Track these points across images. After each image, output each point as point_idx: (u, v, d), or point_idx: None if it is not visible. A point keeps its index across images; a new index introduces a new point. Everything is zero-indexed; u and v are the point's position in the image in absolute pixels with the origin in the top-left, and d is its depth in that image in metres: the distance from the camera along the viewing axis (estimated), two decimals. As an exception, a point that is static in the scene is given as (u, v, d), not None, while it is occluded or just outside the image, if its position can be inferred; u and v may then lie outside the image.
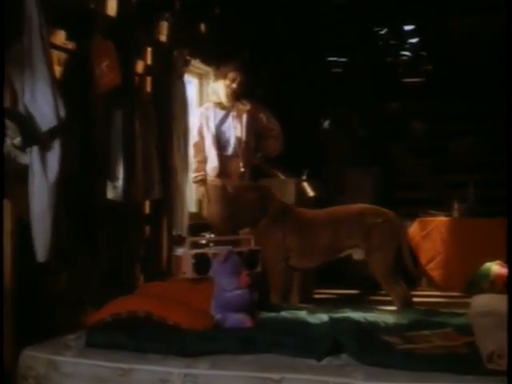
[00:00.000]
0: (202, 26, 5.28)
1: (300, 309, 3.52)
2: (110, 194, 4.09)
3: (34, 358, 2.84)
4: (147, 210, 4.70)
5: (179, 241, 4.61)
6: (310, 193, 5.88)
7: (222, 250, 4.11)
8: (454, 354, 2.59)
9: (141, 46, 4.42)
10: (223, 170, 5.00)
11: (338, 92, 7.43)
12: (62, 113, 3.29)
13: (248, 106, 5.07)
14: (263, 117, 5.15)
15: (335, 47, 7.39)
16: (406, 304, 4.08)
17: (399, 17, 6.89)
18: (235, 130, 5.01)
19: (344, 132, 7.53)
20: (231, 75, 4.94)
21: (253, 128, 5.09)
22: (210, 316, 3.09)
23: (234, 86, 4.96)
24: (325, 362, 2.66)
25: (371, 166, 7.27)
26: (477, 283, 5.74)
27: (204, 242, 4.54)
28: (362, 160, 7.30)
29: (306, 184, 5.79)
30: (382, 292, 5.77)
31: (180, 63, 4.74)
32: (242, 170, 5.04)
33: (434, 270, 6.30)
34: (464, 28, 6.71)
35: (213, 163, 5.00)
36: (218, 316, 3.07)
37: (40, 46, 3.22)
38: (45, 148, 3.26)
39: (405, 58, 7.30)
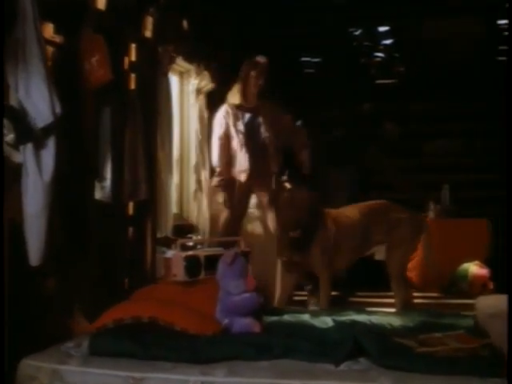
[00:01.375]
0: (185, 23, 5.15)
1: (301, 312, 3.45)
2: (98, 195, 3.95)
3: (35, 368, 2.70)
4: (131, 211, 4.55)
5: (165, 243, 4.48)
6: None
7: (219, 252, 4.08)
8: (476, 357, 2.55)
9: (129, 41, 4.27)
10: (253, 173, 4.78)
11: (311, 92, 7.39)
12: (58, 109, 3.14)
13: (273, 107, 4.93)
14: (287, 118, 5.04)
15: (309, 47, 7.34)
16: (407, 307, 4.05)
17: (373, 18, 6.89)
18: (263, 131, 4.83)
19: (318, 133, 7.48)
20: (254, 73, 4.76)
21: (278, 129, 4.91)
22: (217, 321, 2.99)
23: (260, 83, 4.78)
24: (343, 366, 2.59)
25: (346, 166, 7.23)
26: (455, 284, 5.78)
27: (192, 243, 4.43)
28: (337, 161, 7.25)
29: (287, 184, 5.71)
30: (360, 294, 5.80)
31: (165, 60, 4.61)
32: (274, 171, 4.88)
33: (411, 270, 6.29)
34: (438, 29, 6.75)
35: (242, 166, 4.76)
36: (225, 321, 2.97)
37: (35, 39, 3.07)
38: (39, 146, 3.11)
39: (379, 59, 7.30)
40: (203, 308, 3.07)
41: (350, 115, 7.51)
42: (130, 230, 4.57)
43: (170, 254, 4.08)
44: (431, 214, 6.32)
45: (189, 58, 5.15)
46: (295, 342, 2.74)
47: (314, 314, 3.36)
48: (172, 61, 4.68)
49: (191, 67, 5.23)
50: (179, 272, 3.85)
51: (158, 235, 4.63)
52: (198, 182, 5.27)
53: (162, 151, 4.62)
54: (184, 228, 4.95)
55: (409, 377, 2.42)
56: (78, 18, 3.74)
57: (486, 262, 5.87)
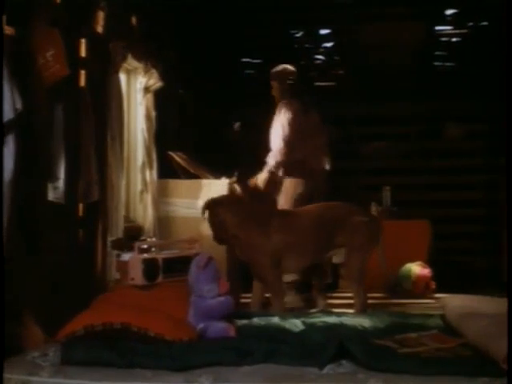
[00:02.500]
0: (134, 20, 5.01)
1: (270, 315, 3.39)
2: (50, 195, 3.77)
3: (4, 380, 2.52)
4: (80, 212, 4.37)
5: (118, 245, 4.32)
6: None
7: (176, 254, 3.98)
8: (460, 357, 2.57)
9: (80, 36, 4.10)
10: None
11: (250, 94, 7.35)
12: (19, 105, 2.98)
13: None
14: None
15: (249, 49, 7.31)
16: (365, 308, 4.06)
17: (315, 20, 6.93)
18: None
19: (256, 135, 7.46)
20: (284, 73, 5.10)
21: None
22: (191, 325, 2.89)
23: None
24: (327, 370, 2.56)
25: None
26: (399, 284, 5.86)
27: (146, 246, 4.28)
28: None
29: (236, 186, 5.66)
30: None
31: (117, 57, 4.45)
32: None
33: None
34: (377, 34, 6.85)
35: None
36: (200, 325, 2.88)
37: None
38: (-1, 143, 2.93)
39: (318, 61, 7.34)
40: (173, 312, 2.97)
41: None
42: (80, 232, 4.41)
43: (126, 257, 3.94)
44: (373, 216, 6.40)
45: (137, 56, 4.99)
46: (275, 346, 2.69)
47: (283, 317, 3.31)
48: (124, 58, 4.53)
49: (139, 65, 5.08)
50: (137, 276, 3.74)
51: (109, 238, 4.46)
52: (144, 182, 5.13)
53: (114, 151, 4.46)
54: (131, 230, 4.79)
55: (398, 378, 2.41)
56: (32, 9, 3.56)
57: (427, 263, 5.99)
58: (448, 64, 7.16)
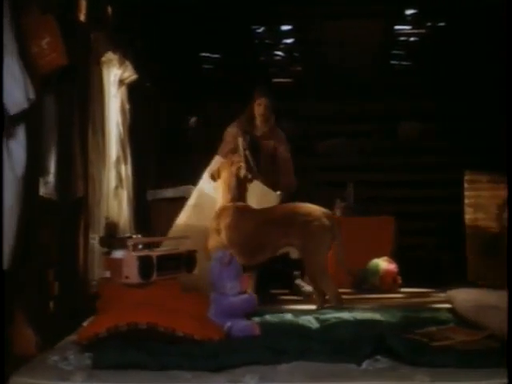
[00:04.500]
0: (109, 10, 4.84)
1: (282, 312, 3.35)
2: (41, 191, 3.59)
3: (34, 387, 2.38)
4: (58, 208, 4.18)
5: (105, 242, 4.17)
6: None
7: (169, 251, 3.88)
8: (494, 349, 2.61)
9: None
10: None
11: (209, 89, 7.27)
12: (32, 94, 2.81)
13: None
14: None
15: (209, 43, 7.19)
16: (341, 300, 4.08)
17: (275, 16, 6.89)
18: None
19: (214, 130, 7.38)
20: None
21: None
22: (217, 324, 2.82)
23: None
24: (365, 365, 2.54)
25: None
26: (366, 279, 5.92)
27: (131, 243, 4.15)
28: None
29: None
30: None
31: (99, 47, 4.29)
32: None
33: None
34: (336, 31, 6.87)
35: None
36: (227, 324, 2.81)
37: (8, 15, 2.72)
38: (10, 136, 2.76)
39: (278, 57, 7.33)
40: (195, 310, 2.89)
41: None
42: (59, 229, 4.22)
43: (118, 254, 3.81)
44: (338, 212, 6.44)
45: (112, 47, 4.82)
46: (307, 343, 2.65)
47: (295, 314, 3.28)
48: (106, 49, 4.37)
49: (114, 57, 4.91)
50: (132, 274, 3.62)
51: (91, 234, 4.30)
52: (119, 177, 4.97)
53: (94, 145, 4.30)
54: (112, 227, 4.64)
55: (444, 372, 2.42)
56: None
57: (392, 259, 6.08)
58: (405, 63, 7.29)
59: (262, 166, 5.17)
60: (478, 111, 7.04)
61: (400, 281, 5.88)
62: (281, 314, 3.26)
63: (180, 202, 5.87)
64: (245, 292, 2.94)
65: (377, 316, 3.22)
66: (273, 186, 5.06)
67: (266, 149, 5.27)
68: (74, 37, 4.07)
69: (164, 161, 6.52)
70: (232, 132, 5.27)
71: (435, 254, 6.91)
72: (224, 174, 4.50)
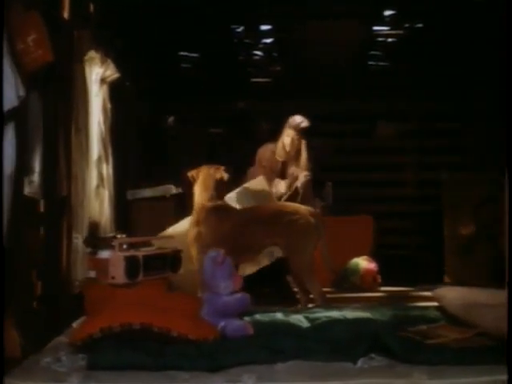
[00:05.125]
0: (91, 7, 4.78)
1: (272, 311, 3.34)
2: (26, 190, 3.54)
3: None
4: (41, 208, 4.13)
5: (89, 242, 4.12)
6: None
7: (155, 251, 3.86)
8: (488, 346, 2.63)
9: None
10: None
11: (187, 88, 7.24)
12: (22, 92, 2.77)
13: None
14: None
15: (187, 42, 7.15)
16: (325, 299, 4.10)
17: (254, 16, 6.88)
18: None
19: (193, 131, 7.37)
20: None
21: None
22: (210, 324, 2.80)
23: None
24: (361, 363, 2.55)
25: (222, 165, 7.17)
26: (347, 278, 5.95)
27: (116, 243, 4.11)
28: (214, 159, 7.16)
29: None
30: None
31: (82, 45, 4.24)
32: None
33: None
34: (315, 31, 6.89)
35: None
36: (221, 323, 2.79)
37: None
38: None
39: (257, 57, 7.32)
40: (186, 311, 2.86)
41: (226, 113, 7.50)
42: (42, 229, 4.16)
43: (104, 254, 3.77)
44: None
45: (94, 45, 4.77)
46: (303, 343, 2.65)
47: (285, 313, 3.27)
48: (89, 47, 4.31)
49: (96, 55, 4.85)
50: (118, 274, 3.61)
51: (74, 234, 4.25)
52: (101, 177, 4.92)
53: (77, 144, 4.25)
54: (94, 226, 4.59)
55: (441, 370, 2.44)
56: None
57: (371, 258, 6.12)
58: (383, 64, 7.34)
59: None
60: (455, 112, 7.13)
61: (380, 280, 5.92)
62: (271, 314, 3.25)
63: (160, 201, 5.87)
64: (237, 291, 2.92)
65: (367, 314, 3.23)
66: None
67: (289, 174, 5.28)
68: (58, 34, 4.04)
69: (143, 160, 6.47)
70: (265, 156, 5.30)
71: (414, 253, 6.98)
72: (202, 175, 4.52)
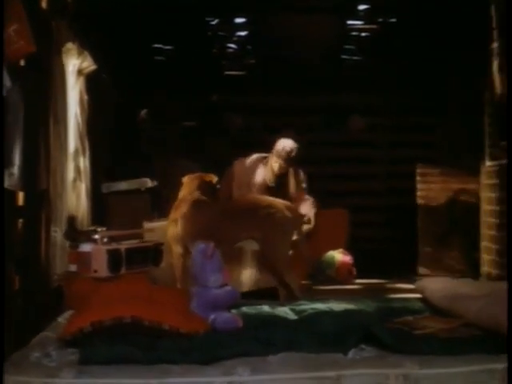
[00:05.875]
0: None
1: (258, 304, 3.35)
2: (6, 183, 3.47)
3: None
4: (20, 201, 4.06)
5: (69, 236, 4.07)
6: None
7: (137, 244, 3.84)
8: (476, 336, 2.68)
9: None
10: None
11: (160, 81, 7.18)
12: (8, 82, 2.71)
13: None
14: None
15: (161, 34, 7.10)
16: (302, 293, 4.12)
17: (228, 8, 6.86)
18: None
19: (166, 123, 7.32)
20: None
21: None
22: (200, 317, 2.79)
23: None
24: (351, 354, 2.58)
25: (195, 158, 7.15)
26: (322, 271, 5.99)
27: (97, 236, 4.07)
28: (186, 152, 7.14)
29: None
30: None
31: (60, 36, 4.17)
32: None
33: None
34: (291, 25, 6.90)
35: None
36: (211, 316, 2.79)
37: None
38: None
39: (231, 50, 7.30)
40: (175, 304, 2.86)
41: (199, 106, 7.47)
42: (21, 222, 4.10)
43: (86, 247, 3.74)
44: (292, 205, 6.47)
45: (71, 37, 4.70)
46: (293, 334, 2.67)
47: (271, 305, 3.29)
48: (66, 38, 4.25)
49: (73, 46, 4.78)
50: (101, 267, 3.59)
51: (52, 228, 4.19)
52: (78, 170, 4.86)
53: (56, 136, 4.19)
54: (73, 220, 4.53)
55: (431, 359, 2.47)
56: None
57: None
58: (356, 58, 7.38)
59: None
60: (428, 106, 7.22)
61: (355, 272, 5.98)
62: (258, 306, 3.26)
63: (135, 194, 5.82)
64: (226, 284, 2.92)
65: (352, 306, 3.26)
66: None
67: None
68: (36, 24, 3.97)
69: (117, 153, 6.41)
70: (256, 181, 5.16)
71: (388, 246, 7.05)
72: (191, 178, 4.53)
